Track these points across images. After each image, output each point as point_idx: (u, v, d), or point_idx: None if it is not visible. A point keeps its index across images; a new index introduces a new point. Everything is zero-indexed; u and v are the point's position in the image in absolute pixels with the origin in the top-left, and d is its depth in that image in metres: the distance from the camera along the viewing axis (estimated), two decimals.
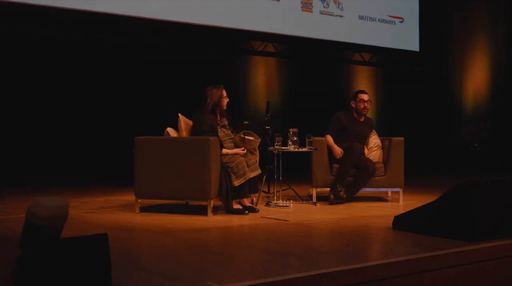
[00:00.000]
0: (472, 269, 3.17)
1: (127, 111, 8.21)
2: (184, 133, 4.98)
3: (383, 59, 10.89)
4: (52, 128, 7.85)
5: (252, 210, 4.85)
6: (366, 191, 5.70)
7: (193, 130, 4.90)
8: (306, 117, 8.28)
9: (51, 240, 2.39)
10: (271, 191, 5.74)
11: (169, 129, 4.97)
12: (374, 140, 5.79)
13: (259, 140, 5.03)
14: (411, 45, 10.37)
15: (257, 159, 5.01)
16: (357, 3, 9.59)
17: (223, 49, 9.14)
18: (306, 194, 5.81)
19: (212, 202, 4.60)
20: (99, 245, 2.33)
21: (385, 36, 9.98)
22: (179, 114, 5.02)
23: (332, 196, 5.36)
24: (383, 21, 9.93)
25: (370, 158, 5.64)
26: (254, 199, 5.22)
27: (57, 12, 6.93)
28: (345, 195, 5.35)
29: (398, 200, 5.61)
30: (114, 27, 7.71)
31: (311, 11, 9.03)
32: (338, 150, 5.49)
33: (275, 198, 5.44)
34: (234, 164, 4.72)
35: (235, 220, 4.46)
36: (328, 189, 5.43)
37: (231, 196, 4.71)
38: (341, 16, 9.37)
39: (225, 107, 5.00)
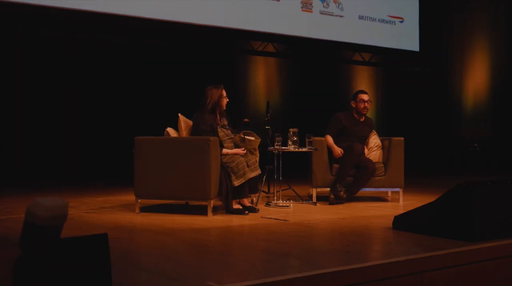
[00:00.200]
0: (472, 269, 3.17)
1: (127, 111, 8.21)
2: (184, 133, 4.98)
3: (383, 59, 10.88)
4: (52, 128, 7.85)
5: (252, 210, 4.85)
6: (366, 191, 5.70)
7: (193, 130, 4.90)
8: (306, 117, 8.28)
9: (51, 240, 2.39)
10: (271, 191, 5.74)
11: (169, 129, 4.97)
12: (374, 140, 5.79)
13: (259, 140, 5.03)
14: (411, 45, 10.36)
15: (257, 159, 5.01)
16: (357, 3, 9.58)
17: (223, 49, 9.14)
18: (306, 194, 5.80)
19: (212, 202, 4.60)
20: (99, 245, 2.33)
21: (385, 36, 9.97)
22: (179, 114, 5.02)
23: (332, 196, 5.36)
24: (383, 21, 9.93)
25: (370, 158, 5.64)
26: (254, 199, 5.22)
27: (57, 12, 6.93)
28: (345, 195, 5.35)
29: (398, 200, 5.61)
30: (114, 27, 7.71)
31: (311, 11, 9.03)
32: (338, 150, 5.49)
33: (275, 198, 5.44)
34: (234, 164, 4.72)
35: (235, 220, 4.46)
36: (328, 189, 5.43)
37: (231, 196, 4.71)
38: (341, 16, 9.37)
39: (224, 107, 5.01)
